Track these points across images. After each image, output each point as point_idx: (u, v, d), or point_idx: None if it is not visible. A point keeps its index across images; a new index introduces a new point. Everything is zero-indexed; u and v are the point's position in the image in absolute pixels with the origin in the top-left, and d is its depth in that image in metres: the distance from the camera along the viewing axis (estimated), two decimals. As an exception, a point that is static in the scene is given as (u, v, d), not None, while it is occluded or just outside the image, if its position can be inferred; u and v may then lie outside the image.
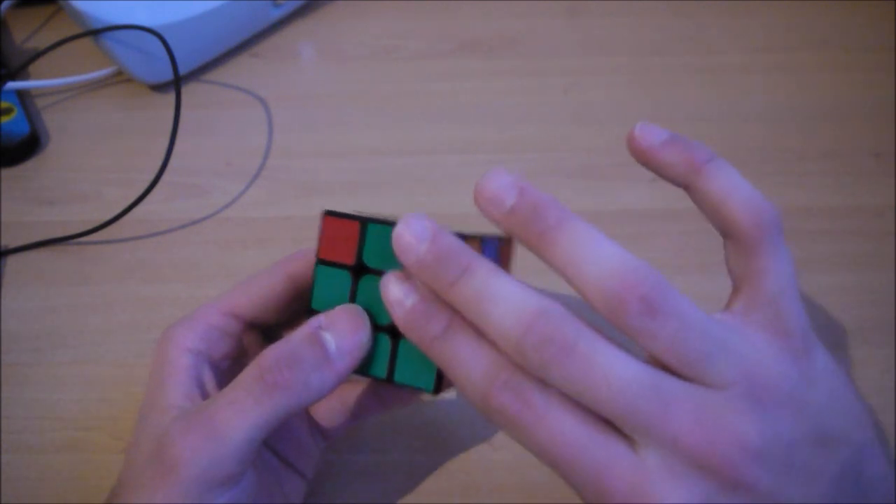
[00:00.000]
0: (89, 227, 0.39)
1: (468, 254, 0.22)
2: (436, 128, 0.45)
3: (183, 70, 0.46)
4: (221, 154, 0.44)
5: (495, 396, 0.21)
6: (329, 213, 0.25)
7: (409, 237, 0.22)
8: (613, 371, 0.20)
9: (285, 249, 0.39)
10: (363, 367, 0.25)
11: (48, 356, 0.35)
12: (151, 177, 0.39)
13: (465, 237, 0.23)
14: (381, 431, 0.33)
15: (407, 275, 0.23)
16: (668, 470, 0.20)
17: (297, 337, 0.23)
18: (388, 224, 0.24)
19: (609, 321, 0.21)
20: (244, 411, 0.22)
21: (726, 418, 0.20)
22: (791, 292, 0.24)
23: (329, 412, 0.29)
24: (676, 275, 0.38)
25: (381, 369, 0.25)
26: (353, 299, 0.25)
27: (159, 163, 0.39)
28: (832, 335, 0.35)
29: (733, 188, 0.25)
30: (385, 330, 0.25)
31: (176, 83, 0.42)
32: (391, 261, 0.23)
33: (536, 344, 0.20)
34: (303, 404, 0.23)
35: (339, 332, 0.23)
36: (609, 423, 0.21)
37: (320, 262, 0.25)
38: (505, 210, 0.22)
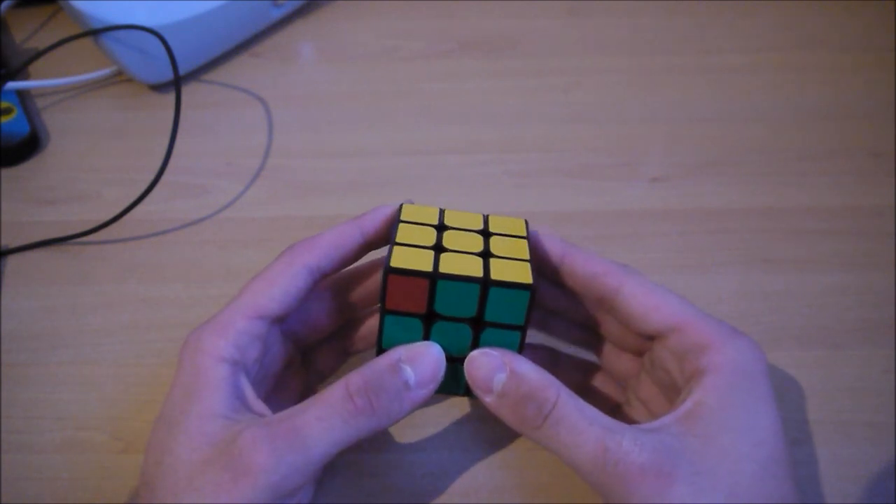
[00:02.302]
0: (89, 227, 0.39)
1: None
2: (436, 128, 0.45)
3: (183, 70, 0.47)
4: (221, 154, 0.44)
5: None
6: (394, 272, 0.25)
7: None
8: None
9: (285, 249, 0.39)
10: (442, 389, 0.27)
11: (48, 356, 0.35)
12: (151, 177, 0.39)
13: (535, 289, 0.26)
14: (381, 431, 0.32)
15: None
16: None
17: (379, 365, 0.25)
18: (459, 280, 0.25)
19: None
20: (331, 429, 0.24)
21: None
22: None
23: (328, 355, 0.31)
24: (676, 275, 0.38)
25: (458, 389, 0.28)
26: (425, 339, 0.26)
27: (159, 163, 0.39)
28: (832, 335, 0.35)
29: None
30: (459, 361, 0.27)
31: (176, 83, 0.42)
32: (464, 310, 0.26)
33: None
34: (380, 429, 0.25)
35: (419, 367, 0.25)
36: None
37: (388, 312, 0.26)
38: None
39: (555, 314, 0.32)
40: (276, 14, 0.51)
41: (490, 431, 0.32)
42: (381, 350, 0.27)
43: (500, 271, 0.26)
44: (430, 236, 0.27)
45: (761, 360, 0.26)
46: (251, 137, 0.45)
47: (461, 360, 0.26)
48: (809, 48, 0.50)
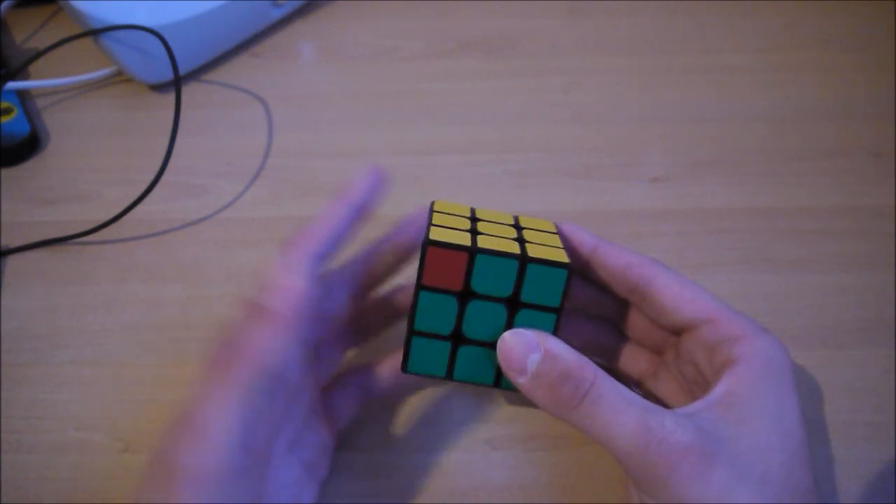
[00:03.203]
0: (89, 227, 0.39)
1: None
2: (436, 128, 0.45)
3: (183, 70, 0.47)
4: (221, 154, 0.44)
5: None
6: (433, 244, 0.25)
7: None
8: None
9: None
10: (472, 378, 0.27)
11: (48, 356, 0.35)
12: (151, 177, 0.39)
13: (571, 268, 0.26)
14: (381, 431, 0.33)
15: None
16: None
17: (236, 312, 0.25)
18: (497, 255, 0.25)
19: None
20: (217, 401, 0.23)
21: None
22: None
23: (345, 401, 0.30)
24: (676, 275, 0.38)
25: (488, 378, 0.27)
26: (459, 320, 0.26)
27: (159, 163, 0.39)
28: (832, 335, 0.35)
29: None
30: (491, 346, 0.26)
31: (176, 83, 0.42)
32: (501, 288, 0.26)
33: None
34: (268, 368, 0.24)
35: (268, 285, 0.25)
36: None
37: (424, 288, 0.26)
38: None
39: (574, 312, 0.32)
40: (276, 14, 0.51)
41: (490, 432, 0.32)
42: (412, 330, 0.26)
43: (537, 251, 0.26)
44: (464, 223, 0.27)
45: (787, 355, 0.26)
46: (251, 137, 0.45)
47: (494, 345, 0.26)
48: (809, 48, 0.50)
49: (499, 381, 0.27)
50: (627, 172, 0.43)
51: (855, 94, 0.47)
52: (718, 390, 0.25)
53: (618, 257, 0.29)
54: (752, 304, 0.37)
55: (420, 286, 0.26)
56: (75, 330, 0.36)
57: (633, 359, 0.31)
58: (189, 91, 0.48)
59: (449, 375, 0.27)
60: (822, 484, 0.31)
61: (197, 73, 0.49)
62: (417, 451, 0.32)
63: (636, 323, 0.31)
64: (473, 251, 0.25)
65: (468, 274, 0.25)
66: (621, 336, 0.32)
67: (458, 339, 0.27)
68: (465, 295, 0.26)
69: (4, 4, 0.53)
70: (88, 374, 0.34)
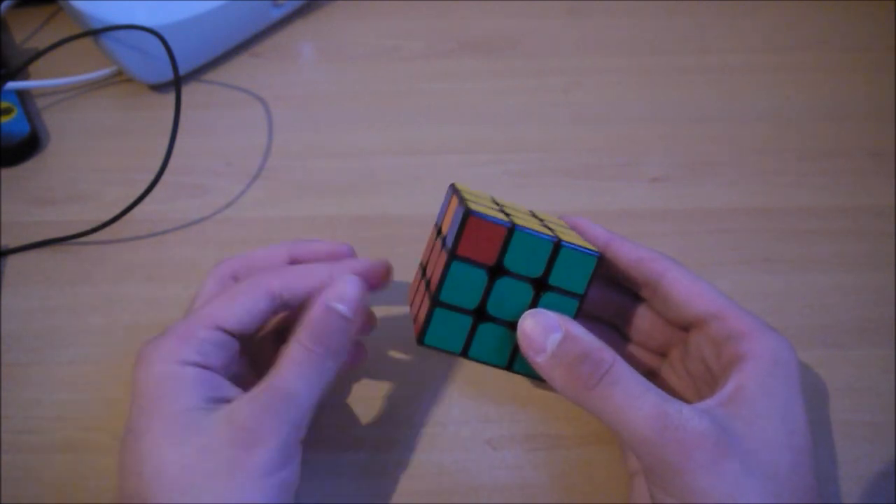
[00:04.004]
0: (89, 227, 0.39)
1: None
2: (436, 128, 0.45)
3: (183, 70, 0.47)
4: (221, 154, 0.44)
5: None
6: (475, 214, 0.25)
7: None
8: None
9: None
10: (486, 358, 0.27)
11: (48, 356, 0.35)
12: (151, 177, 0.39)
13: (602, 257, 0.27)
14: (381, 431, 0.33)
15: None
16: None
17: (318, 314, 0.26)
18: (535, 234, 0.26)
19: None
20: (309, 379, 0.25)
21: None
22: None
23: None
24: (676, 275, 0.38)
25: (502, 359, 0.28)
26: (486, 295, 0.26)
27: (159, 163, 0.39)
28: (832, 335, 0.35)
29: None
30: (509, 325, 0.27)
31: (176, 83, 0.42)
32: (532, 268, 0.26)
33: None
34: (339, 364, 0.27)
35: (344, 299, 0.27)
36: None
37: (457, 258, 0.26)
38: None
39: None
40: (276, 14, 0.51)
41: (490, 432, 0.32)
42: (437, 301, 0.26)
43: (568, 238, 0.27)
44: (492, 205, 0.28)
45: (794, 354, 0.26)
46: (251, 137, 0.45)
47: (513, 325, 0.26)
48: (809, 48, 0.50)
49: (512, 363, 0.27)
50: (627, 172, 0.43)
51: (855, 94, 0.47)
52: (728, 388, 0.25)
53: (630, 251, 0.30)
54: (752, 304, 0.36)
55: (454, 256, 0.26)
56: (75, 330, 0.36)
57: (634, 361, 0.31)
58: (189, 91, 0.48)
59: (465, 352, 0.27)
60: (823, 484, 0.31)
61: (197, 73, 0.49)
62: (417, 450, 0.32)
63: (640, 324, 0.31)
64: (512, 227, 0.25)
65: (504, 249, 0.26)
66: (623, 339, 0.32)
67: (480, 314, 0.27)
68: (497, 270, 0.26)
69: (4, 4, 0.53)
70: (88, 374, 0.34)
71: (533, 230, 0.26)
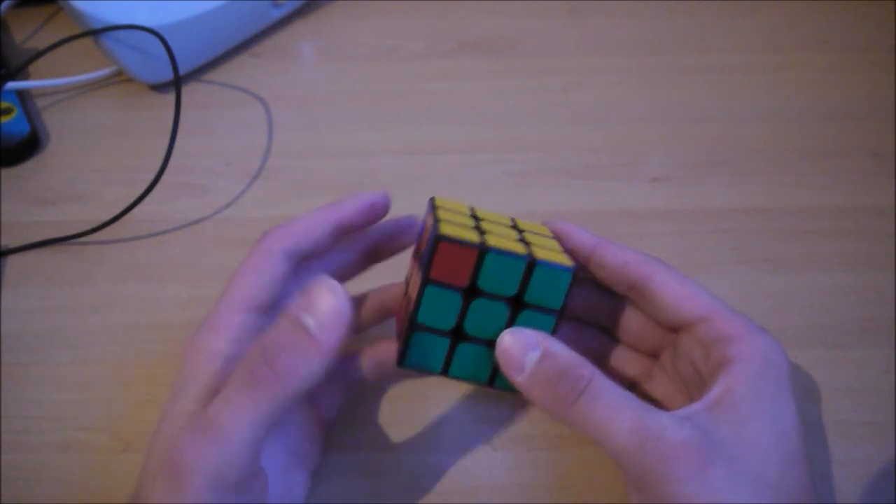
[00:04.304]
0: (89, 227, 0.39)
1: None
2: (436, 128, 0.45)
3: (183, 70, 0.47)
4: (221, 154, 0.44)
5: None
6: (444, 239, 0.25)
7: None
8: None
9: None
10: (467, 375, 0.27)
11: (48, 356, 0.35)
12: (151, 177, 0.39)
13: (576, 272, 0.26)
14: (381, 431, 0.33)
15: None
16: None
17: (278, 325, 0.23)
18: (507, 254, 0.25)
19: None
20: (241, 410, 0.22)
21: None
22: None
23: (329, 391, 0.30)
24: (676, 275, 0.38)
25: (483, 376, 0.27)
26: (462, 317, 0.26)
27: (159, 163, 0.39)
28: (832, 335, 0.35)
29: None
30: (488, 344, 0.26)
31: (176, 83, 0.42)
32: (506, 287, 0.26)
33: None
34: (296, 390, 0.23)
35: (318, 310, 0.23)
36: None
37: (430, 282, 0.26)
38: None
39: (567, 318, 0.31)
40: (276, 14, 0.51)
41: (490, 432, 0.32)
42: (414, 325, 0.26)
43: (543, 253, 0.26)
44: (469, 221, 0.28)
45: (784, 355, 0.26)
46: (251, 137, 0.45)
47: (492, 344, 0.26)
48: (809, 48, 0.50)
49: (493, 380, 0.27)
50: (627, 172, 0.43)
51: (855, 94, 0.47)
52: (715, 391, 0.25)
53: (616, 255, 0.29)
54: (752, 304, 0.37)
55: (427, 280, 0.26)
56: (75, 330, 0.36)
57: (626, 363, 0.31)
58: (189, 91, 0.48)
59: (444, 371, 0.27)
60: (822, 484, 0.31)
61: (197, 73, 0.49)
62: (417, 451, 0.32)
63: (630, 326, 0.31)
64: (484, 248, 0.25)
65: (476, 271, 0.26)
66: (614, 341, 0.32)
67: (458, 335, 0.27)
68: (471, 291, 0.26)
69: (4, 4, 0.53)
70: (88, 374, 0.34)
71: (505, 250, 0.25)
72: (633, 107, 0.46)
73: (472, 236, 0.26)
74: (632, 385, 0.31)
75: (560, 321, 0.27)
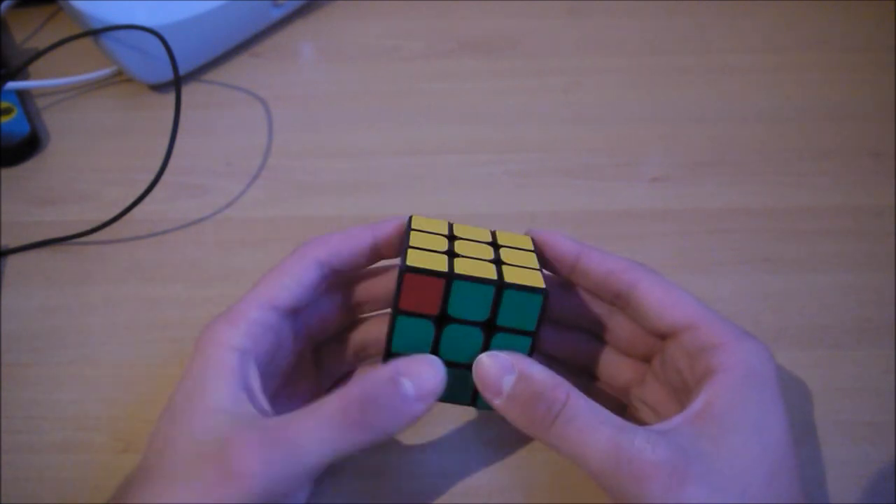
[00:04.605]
0: (89, 227, 0.39)
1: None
2: (436, 128, 0.45)
3: (183, 70, 0.46)
4: (221, 154, 0.44)
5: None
6: (410, 271, 0.25)
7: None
8: None
9: (285, 249, 0.39)
10: (447, 397, 0.26)
11: (48, 356, 0.35)
12: (151, 177, 0.39)
13: (548, 293, 0.26)
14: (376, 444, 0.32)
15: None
16: None
17: (379, 378, 0.24)
18: (474, 281, 0.25)
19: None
20: (326, 441, 0.23)
21: None
22: None
23: (338, 356, 0.31)
24: (676, 275, 0.38)
25: (465, 398, 0.27)
26: (436, 343, 0.26)
27: (159, 163, 0.39)
28: (832, 335, 0.35)
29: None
30: (466, 367, 0.26)
31: (176, 83, 0.42)
32: (477, 313, 0.26)
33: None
34: (375, 442, 0.24)
35: (418, 380, 0.24)
36: None
37: (400, 312, 0.26)
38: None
39: (556, 323, 0.31)
40: (276, 14, 0.51)
41: (490, 432, 0.32)
42: (389, 353, 0.27)
43: (513, 276, 0.26)
44: (442, 244, 0.27)
45: (771, 362, 0.26)
46: (251, 137, 0.45)
47: (470, 366, 0.26)
48: (809, 48, 0.50)
49: (475, 400, 0.27)
50: (627, 172, 0.43)
51: (855, 94, 0.47)
52: (697, 404, 0.25)
53: (600, 264, 0.29)
54: (752, 304, 0.37)
55: (397, 311, 0.26)
56: (75, 330, 0.36)
57: (618, 368, 0.31)
58: (189, 91, 0.48)
59: None
60: (822, 484, 0.31)
61: (197, 73, 0.49)
62: (417, 451, 0.32)
63: (620, 332, 0.30)
64: (451, 277, 0.25)
65: (445, 299, 0.26)
66: (606, 345, 0.32)
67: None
68: (442, 319, 0.26)
69: (4, 4, 0.53)
70: (88, 374, 0.34)
71: (473, 276, 0.25)
72: (633, 107, 0.46)
73: (440, 264, 0.26)
74: (625, 390, 0.31)
75: (536, 341, 0.27)
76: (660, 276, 0.28)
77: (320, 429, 0.23)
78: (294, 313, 0.28)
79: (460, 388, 0.27)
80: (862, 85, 0.47)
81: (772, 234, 0.40)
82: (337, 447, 0.23)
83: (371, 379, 0.24)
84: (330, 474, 0.31)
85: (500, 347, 0.26)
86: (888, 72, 0.48)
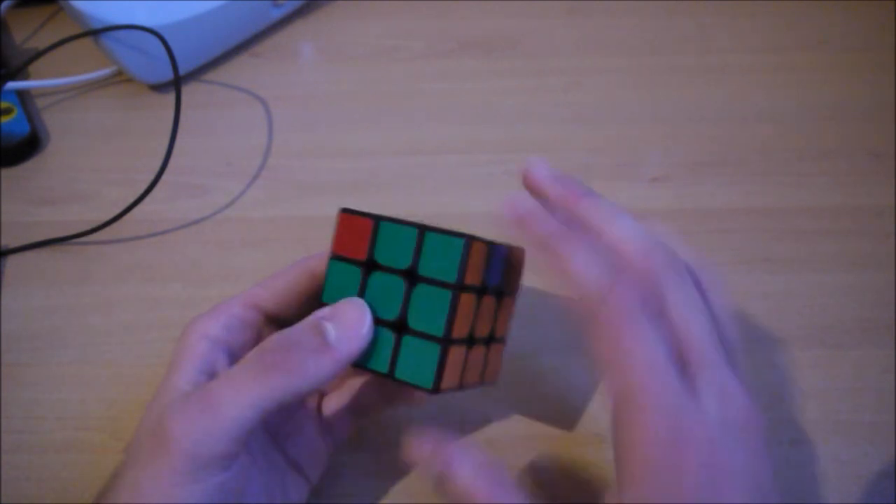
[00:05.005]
0: (89, 227, 0.39)
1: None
2: (436, 128, 0.45)
3: (183, 70, 0.46)
4: (221, 154, 0.44)
5: (619, 292, 0.23)
6: (345, 211, 0.26)
7: (539, 167, 0.27)
8: (703, 313, 0.24)
9: (285, 249, 0.40)
10: (365, 361, 0.25)
11: (48, 356, 0.35)
12: (151, 177, 0.39)
13: (472, 239, 0.24)
14: (381, 431, 0.32)
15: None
16: None
17: (300, 324, 0.24)
18: (401, 223, 0.25)
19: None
20: (240, 389, 0.23)
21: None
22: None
23: (338, 409, 0.30)
24: (676, 275, 0.38)
25: (383, 364, 0.25)
26: (361, 293, 0.26)
27: (159, 163, 0.39)
28: (832, 335, 0.35)
29: (614, 223, 0.26)
30: (390, 325, 0.25)
31: (176, 83, 0.42)
32: (401, 259, 0.25)
33: (665, 257, 0.24)
34: (300, 388, 0.23)
35: (340, 322, 0.24)
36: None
37: (334, 256, 0.26)
38: (552, 180, 0.27)
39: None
40: (276, 14, 0.51)
41: (490, 431, 0.32)
42: (321, 303, 0.26)
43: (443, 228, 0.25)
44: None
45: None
46: (251, 137, 0.45)
47: (392, 324, 0.25)
48: (809, 48, 0.50)
49: (393, 370, 0.25)
50: (627, 172, 0.43)
51: (855, 94, 0.47)
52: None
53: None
54: (752, 304, 0.37)
55: (331, 255, 0.27)
56: (75, 330, 0.36)
57: None
58: (189, 91, 0.48)
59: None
60: (822, 484, 0.31)
61: (197, 73, 0.49)
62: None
63: None
64: (379, 218, 0.26)
65: (373, 243, 0.26)
66: None
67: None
68: (369, 266, 0.26)
69: (4, 4, 0.53)
70: (88, 374, 0.34)
71: (398, 219, 0.25)
72: (633, 107, 0.46)
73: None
74: None
75: (457, 298, 0.24)
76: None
77: (237, 381, 0.23)
78: (279, 318, 0.28)
79: (380, 352, 0.25)
80: (862, 85, 0.47)
81: (772, 234, 0.40)
82: (257, 397, 0.23)
83: (293, 326, 0.24)
84: (331, 475, 0.31)
85: (422, 301, 0.25)
86: (888, 72, 0.48)
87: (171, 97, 0.47)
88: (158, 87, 0.48)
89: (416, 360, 0.25)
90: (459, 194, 0.42)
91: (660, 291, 0.24)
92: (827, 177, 0.42)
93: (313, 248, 0.39)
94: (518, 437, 0.32)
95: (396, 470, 0.31)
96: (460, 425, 0.33)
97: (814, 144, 0.44)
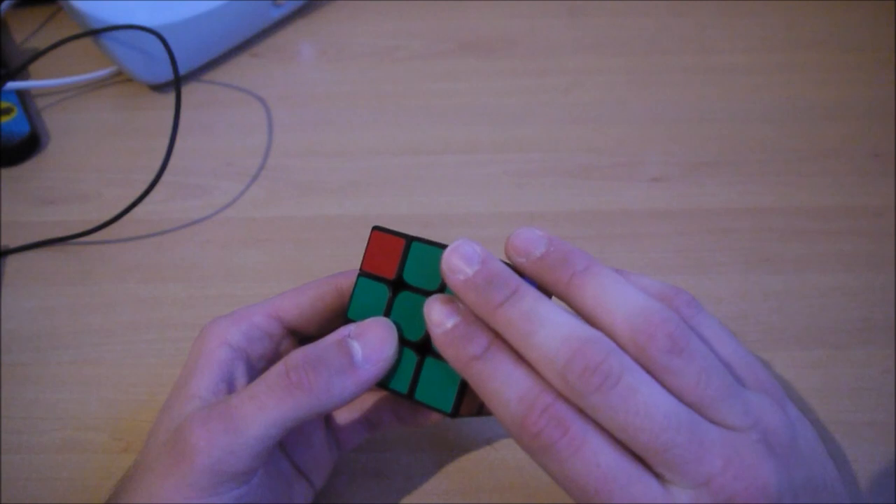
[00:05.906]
0: (89, 227, 0.39)
1: (516, 279, 0.23)
2: (436, 128, 0.45)
3: (183, 70, 0.47)
4: (221, 154, 0.44)
5: (534, 421, 0.21)
6: (377, 229, 0.26)
7: (458, 259, 0.23)
8: (655, 406, 0.20)
9: (285, 249, 0.40)
10: (386, 381, 0.25)
11: (48, 356, 0.35)
12: (151, 177, 0.39)
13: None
14: (381, 431, 0.32)
15: (451, 298, 0.23)
16: None
17: (325, 341, 0.24)
18: (433, 245, 0.25)
19: (637, 358, 0.21)
20: (264, 407, 0.23)
21: (752, 463, 0.21)
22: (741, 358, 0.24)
23: (348, 422, 0.29)
24: (676, 275, 0.38)
25: (403, 385, 0.25)
26: (388, 312, 0.26)
27: (159, 163, 0.39)
28: (832, 335, 0.35)
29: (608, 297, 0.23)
30: (413, 346, 0.25)
31: (176, 83, 0.42)
32: (430, 280, 0.25)
33: (582, 370, 0.20)
34: (323, 408, 0.23)
35: (367, 342, 0.24)
36: (639, 459, 0.21)
37: (362, 273, 0.26)
38: (535, 257, 0.23)
39: None
40: (276, 14, 0.51)
41: (490, 431, 0.32)
42: (346, 319, 0.26)
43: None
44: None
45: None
46: (251, 137, 0.45)
47: (415, 345, 0.25)
48: (809, 48, 0.50)
49: (413, 391, 0.25)
50: (627, 172, 0.43)
51: (855, 94, 0.47)
52: None
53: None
54: (752, 304, 0.37)
55: (359, 272, 0.27)
56: (75, 330, 0.36)
57: None
58: (189, 91, 0.48)
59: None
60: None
61: (197, 73, 0.49)
62: (417, 450, 0.32)
63: None
64: (411, 238, 0.26)
65: (402, 262, 0.26)
66: None
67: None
68: (398, 285, 0.26)
69: (4, 4, 0.53)
70: (88, 374, 0.34)
71: (431, 241, 0.25)
72: (633, 107, 0.46)
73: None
74: None
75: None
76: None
77: (260, 396, 0.23)
78: (301, 332, 0.28)
79: (401, 372, 0.25)
80: (862, 85, 0.47)
81: (772, 234, 0.40)
82: (280, 416, 0.23)
83: (318, 342, 0.24)
84: (330, 474, 0.31)
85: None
86: (888, 72, 0.48)
87: (171, 97, 0.47)
88: (158, 87, 0.48)
89: (438, 382, 0.25)
90: (459, 194, 0.42)
91: (652, 362, 0.22)
92: (827, 177, 0.42)
93: (313, 248, 0.39)
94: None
95: (396, 470, 0.31)
96: (460, 425, 0.33)
97: (814, 144, 0.44)
